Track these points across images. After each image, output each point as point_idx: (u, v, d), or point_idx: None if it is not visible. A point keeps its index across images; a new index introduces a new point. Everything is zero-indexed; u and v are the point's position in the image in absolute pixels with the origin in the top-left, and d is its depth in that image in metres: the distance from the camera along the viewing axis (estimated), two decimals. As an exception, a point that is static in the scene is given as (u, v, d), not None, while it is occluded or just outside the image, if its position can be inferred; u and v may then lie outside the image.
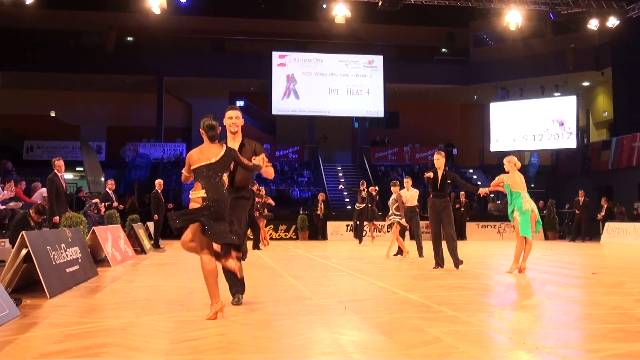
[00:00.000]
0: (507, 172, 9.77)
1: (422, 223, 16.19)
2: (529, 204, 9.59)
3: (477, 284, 8.42)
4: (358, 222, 20.39)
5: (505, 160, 9.97)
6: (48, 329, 5.11)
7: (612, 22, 25.50)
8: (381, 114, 32.86)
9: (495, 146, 32.81)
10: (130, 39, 33.91)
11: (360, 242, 19.98)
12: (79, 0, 29.15)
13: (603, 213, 23.31)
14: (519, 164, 9.87)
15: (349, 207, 27.12)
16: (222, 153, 5.77)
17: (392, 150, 33.89)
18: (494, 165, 34.70)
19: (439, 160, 10.48)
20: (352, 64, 32.56)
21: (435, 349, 4.27)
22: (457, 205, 23.79)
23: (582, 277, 9.49)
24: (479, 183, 31.91)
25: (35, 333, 4.91)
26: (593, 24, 25.71)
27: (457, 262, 10.14)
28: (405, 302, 6.65)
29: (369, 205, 19.66)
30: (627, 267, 11.67)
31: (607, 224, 22.83)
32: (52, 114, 34.19)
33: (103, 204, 14.76)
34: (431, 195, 10.54)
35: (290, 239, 23.53)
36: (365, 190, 19.91)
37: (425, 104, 36.74)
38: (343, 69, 32.45)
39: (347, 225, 23.02)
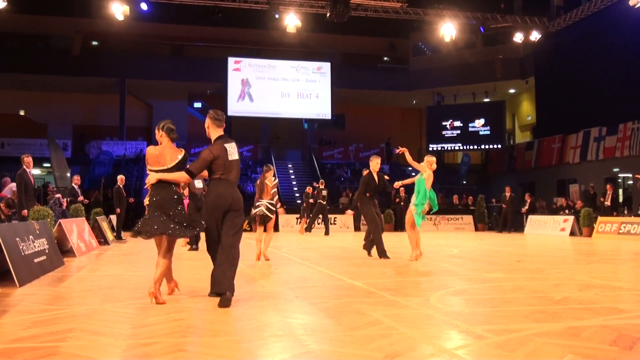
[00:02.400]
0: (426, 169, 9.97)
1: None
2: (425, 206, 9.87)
3: (415, 271, 8.52)
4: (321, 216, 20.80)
5: (428, 159, 10.13)
6: (18, 316, 5.00)
7: (535, 35, 26.21)
8: (329, 116, 32.96)
9: (432, 146, 33.26)
10: (95, 43, 33.27)
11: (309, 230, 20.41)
12: (48, 6, 28.46)
13: (527, 207, 23.86)
14: (434, 166, 10.05)
15: (298, 201, 27.15)
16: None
17: (338, 150, 34.07)
18: (430, 163, 35.19)
19: (379, 164, 10.54)
20: (302, 70, 32.57)
21: (376, 330, 4.32)
22: (397, 200, 24.04)
23: (507, 264, 9.70)
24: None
25: (5, 320, 4.79)
26: (518, 37, 26.37)
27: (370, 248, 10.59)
28: (349, 288, 6.69)
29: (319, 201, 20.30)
30: (547, 255, 11.98)
31: (530, 216, 23.37)
32: (22, 113, 33.28)
33: (65, 198, 14.46)
34: (368, 195, 10.53)
35: (245, 230, 23.36)
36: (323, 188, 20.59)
37: (369, 107, 36.99)
38: (294, 74, 32.44)
39: (297, 219, 23.04)
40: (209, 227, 5.68)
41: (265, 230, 10.09)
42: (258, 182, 10.14)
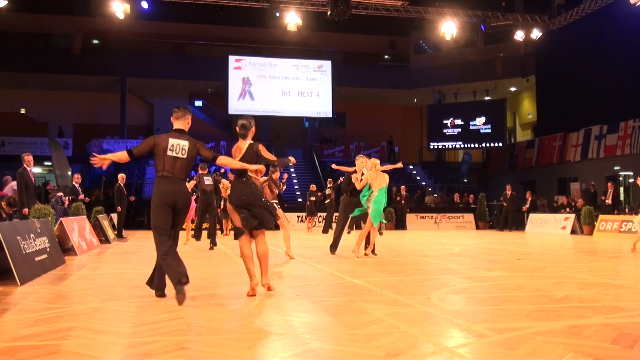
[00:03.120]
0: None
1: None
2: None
3: (416, 270, 8.52)
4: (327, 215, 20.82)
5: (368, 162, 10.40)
6: (19, 314, 5.00)
7: (536, 34, 26.19)
8: (329, 114, 32.95)
9: (432, 144, 33.26)
10: (96, 41, 33.28)
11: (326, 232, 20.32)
12: (49, 4, 28.47)
13: (528, 205, 23.85)
14: (380, 167, 10.28)
15: (300, 199, 27.16)
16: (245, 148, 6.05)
17: (339, 148, 34.09)
18: (432, 161, 35.26)
19: (363, 163, 10.65)
20: (303, 68, 32.57)
21: (378, 329, 4.32)
22: (398, 198, 24.07)
23: (509, 262, 9.70)
24: (418, 178, 32.39)
25: (7, 318, 4.80)
26: (519, 35, 26.34)
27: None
28: (350, 286, 6.69)
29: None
30: (548, 253, 11.97)
31: (530, 215, 23.37)
32: (23, 111, 33.34)
33: (67, 197, 14.46)
34: (348, 194, 10.76)
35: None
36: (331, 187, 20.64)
37: (370, 105, 36.99)
38: (295, 72, 32.43)
39: (298, 217, 23.06)
40: (157, 225, 5.57)
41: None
42: (266, 184, 10.03)
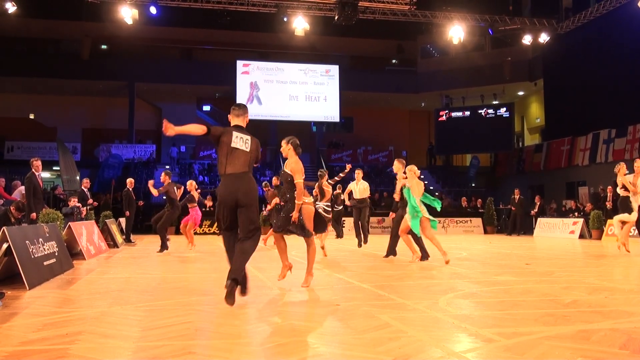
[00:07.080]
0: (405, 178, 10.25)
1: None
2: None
3: (423, 274, 8.49)
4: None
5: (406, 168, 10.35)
6: (27, 318, 5.01)
7: (544, 37, 26.17)
8: (337, 118, 33.00)
9: (440, 149, 33.19)
10: (104, 47, 33.45)
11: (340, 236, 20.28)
12: (57, 10, 28.68)
13: (536, 209, 23.76)
14: (418, 172, 10.25)
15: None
16: None
17: (346, 152, 34.10)
18: (439, 166, 35.17)
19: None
20: (310, 73, 32.63)
21: (385, 333, 4.30)
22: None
23: (517, 267, 9.65)
24: (426, 182, 32.29)
25: (15, 322, 4.81)
26: (527, 39, 26.33)
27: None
28: (358, 291, 6.68)
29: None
30: (556, 258, 11.91)
31: (539, 219, 23.29)
32: (31, 116, 33.54)
33: (85, 207, 14.50)
34: None
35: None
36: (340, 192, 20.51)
37: (377, 109, 37.01)
38: (302, 77, 32.49)
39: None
40: (218, 222, 5.91)
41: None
42: (316, 185, 10.81)
